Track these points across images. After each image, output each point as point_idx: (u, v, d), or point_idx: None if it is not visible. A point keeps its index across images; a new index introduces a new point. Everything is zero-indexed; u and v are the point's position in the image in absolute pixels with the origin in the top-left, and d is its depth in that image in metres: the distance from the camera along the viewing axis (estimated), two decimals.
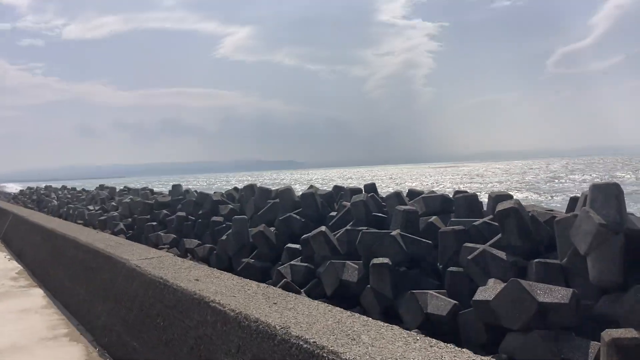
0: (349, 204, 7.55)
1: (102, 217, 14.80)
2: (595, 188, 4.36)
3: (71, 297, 6.78)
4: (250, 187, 10.24)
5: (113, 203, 16.64)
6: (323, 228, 6.68)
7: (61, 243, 6.79)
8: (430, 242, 5.85)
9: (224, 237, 8.71)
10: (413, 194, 8.11)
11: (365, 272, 5.83)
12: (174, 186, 13.80)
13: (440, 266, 5.72)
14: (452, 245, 5.60)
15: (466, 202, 6.41)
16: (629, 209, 4.46)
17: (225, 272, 4.94)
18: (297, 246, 7.36)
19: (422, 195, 7.12)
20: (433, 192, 7.41)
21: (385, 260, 5.54)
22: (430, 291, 5.14)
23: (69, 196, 23.71)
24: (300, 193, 8.56)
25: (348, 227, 6.86)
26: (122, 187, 21.18)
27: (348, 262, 6.05)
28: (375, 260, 5.57)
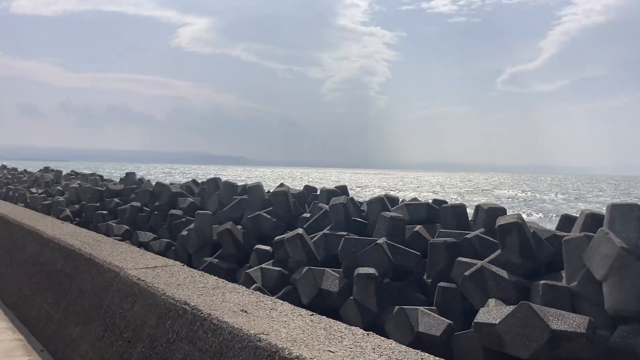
0: (325, 206, 7.06)
1: (47, 202, 13.73)
2: (615, 208, 4.03)
3: (32, 311, 4.91)
4: (214, 181, 9.60)
5: (59, 187, 15.53)
6: (300, 230, 6.16)
7: (17, 234, 5.27)
8: (418, 253, 5.44)
9: (184, 233, 8.05)
10: (390, 200, 7.70)
11: (347, 282, 5.36)
12: (127, 174, 12.95)
13: (429, 280, 5.31)
14: (442, 258, 5.19)
15: (454, 213, 6.04)
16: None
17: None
18: (268, 248, 6.81)
19: (406, 203, 6.71)
20: (416, 199, 7.01)
21: (371, 270, 5.08)
22: (421, 307, 4.72)
23: (9, 177, 22.17)
24: (272, 191, 8.00)
25: (326, 231, 6.37)
26: (69, 171, 19.94)
27: (328, 269, 5.56)
28: (361, 270, 5.11)
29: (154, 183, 12.90)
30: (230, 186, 9.06)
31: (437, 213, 6.42)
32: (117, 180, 17.31)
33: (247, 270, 6.18)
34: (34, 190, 16.82)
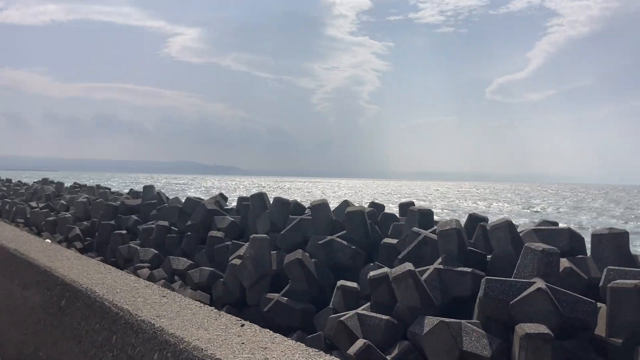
0: (423, 231, 5.65)
1: (51, 218, 12.22)
2: None
3: None
4: (260, 197, 8.14)
5: (62, 201, 13.99)
6: (410, 265, 4.73)
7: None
8: (593, 301, 4.04)
9: (235, 262, 6.59)
10: (476, 219, 6.32)
11: (500, 343, 3.94)
12: (145, 187, 11.43)
13: (612, 339, 3.91)
14: (633, 309, 3.80)
15: (613, 243, 4.65)
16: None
17: None
18: (355, 285, 5.39)
19: (535, 227, 5.31)
20: (551, 222, 5.62)
21: (543, 329, 3.68)
22: None
23: (4, 188, 20.56)
24: (347, 210, 6.55)
25: (438, 265, 4.96)
26: (72, 183, 18.35)
27: (465, 322, 4.14)
28: (527, 328, 3.69)
29: (171, 197, 11.46)
30: (283, 204, 7.61)
31: (581, 241, 5.05)
32: (124, 193, 15.81)
33: (341, 318, 4.71)
34: (33, 204, 15.28)
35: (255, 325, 2.12)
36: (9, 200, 16.48)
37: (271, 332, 2.04)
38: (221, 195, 10.48)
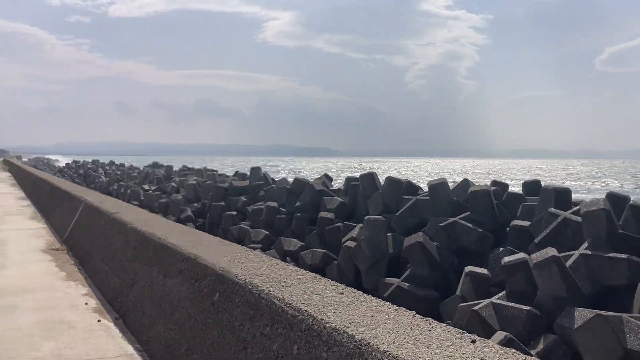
0: (562, 212, 5.09)
1: (163, 200, 12.70)
2: None
3: None
4: (370, 177, 7.85)
5: (173, 184, 14.53)
6: (553, 251, 4.23)
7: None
8: None
9: (349, 244, 6.36)
10: (617, 199, 5.60)
11: None
12: (252, 169, 11.53)
13: None
14: None
15: None
16: None
17: None
18: (485, 271, 4.96)
19: None
20: None
21: None
22: None
23: (118, 173, 21.82)
24: (469, 190, 6.10)
25: (584, 250, 4.42)
26: (180, 167, 19.09)
27: (626, 316, 3.61)
28: None
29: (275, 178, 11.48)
30: (395, 183, 7.26)
31: None
32: (229, 175, 16.16)
33: (474, 307, 4.32)
34: (146, 187, 16.03)
35: (490, 342, 1.75)
36: (124, 183, 17.42)
37: (519, 353, 1.65)
38: (326, 176, 10.33)
